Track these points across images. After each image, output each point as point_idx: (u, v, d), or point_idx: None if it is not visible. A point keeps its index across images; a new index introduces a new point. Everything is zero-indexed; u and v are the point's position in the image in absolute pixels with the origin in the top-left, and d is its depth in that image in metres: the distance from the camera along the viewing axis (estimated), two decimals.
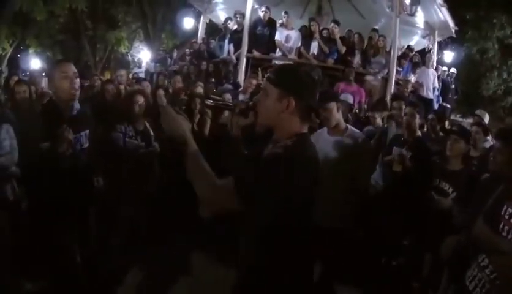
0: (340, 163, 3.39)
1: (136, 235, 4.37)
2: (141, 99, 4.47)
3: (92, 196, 3.57)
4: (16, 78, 6.45)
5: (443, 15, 9.81)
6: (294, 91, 1.85)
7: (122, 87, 6.35)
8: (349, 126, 3.71)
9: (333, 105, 3.52)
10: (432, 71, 8.90)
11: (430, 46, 10.62)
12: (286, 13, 9.23)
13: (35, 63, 22.14)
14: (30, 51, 23.10)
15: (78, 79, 3.18)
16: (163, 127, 1.88)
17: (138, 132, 4.45)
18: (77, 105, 3.29)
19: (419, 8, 9.41)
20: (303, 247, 1.91)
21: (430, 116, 5.19)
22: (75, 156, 3.18)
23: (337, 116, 3.56)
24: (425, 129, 5.25)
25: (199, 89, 6.26)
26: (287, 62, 8.82)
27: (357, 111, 7.14)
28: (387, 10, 9.52)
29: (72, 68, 3.13)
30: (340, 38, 8.98)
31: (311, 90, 1.91)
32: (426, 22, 10.40)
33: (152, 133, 4.61)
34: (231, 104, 4.76)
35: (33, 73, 8.40)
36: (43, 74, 7.43)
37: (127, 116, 4.43)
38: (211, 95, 5.45)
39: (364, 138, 3.71)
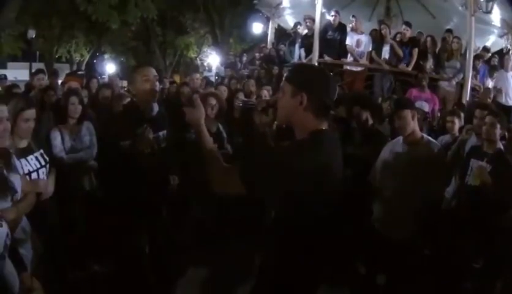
0: (414, 174, 3.29)
1: (203, 233, 4.47)
2: (213, 101, 4.60)
3: (166, 194, 3.76)
4: (95, 81, 6.97)
5: None
6: (305, 87, 1.91)
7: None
8: (425, 135, 3.59)
9: (407, 113, 3.42)
10: (511, 74, 8.27)
11: (509, 46, 9.72)
12: (354, 16, 9.09)
13: (110, 67, 23.63)
14: (106, 56, 24.67)
15: (157, 82, 3.39)
16: (186, 113, 2.14)
17: (211, 134, 4.55)
18: (156, 107, 3.47)
19: (495, 5, 8.64)
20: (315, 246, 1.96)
21: None
22: (153, 155, 3.33)
23: (412, 124, 3.44)
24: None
25: (265, 92, 6.31)
26: (360, 68, 8.79)
27: (430, 119, 6.66)
28: (460, 9, 8.98)
29: (153, 72, 3.33)
30: (411, 39, 8.69)
31: (324, 86, 1.96)
32: (503, 20, 9.53)
33: (225, 135, 4.73)
34: (253, 103, 4.80)
35: (111, 77, 9.00)
36: (118, 78, 7.98)
37: None
38: (240, 98, 5.54)
39: (440, 148, 3.57)
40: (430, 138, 3.62)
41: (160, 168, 3.48)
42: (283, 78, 2.07)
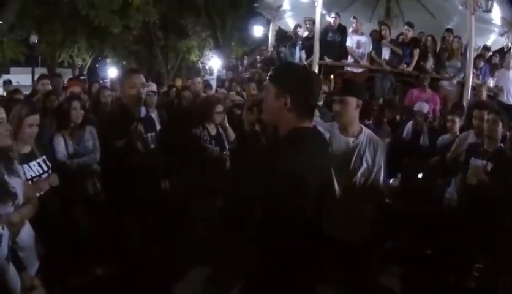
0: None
1: (203, 235, 4.38)
2: (221, 108, 4.59)
3: (156, 195, 3.81)
4: (97, 86, 7.04)
5: None
6: (289, 89, 1.91)
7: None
8: (363, 127, 3.12)
9: (352, 100, 2.98)
10: None
11: (510, 44, 9.72)
12: (354, 18, 9.11)
13: (112, 71, 23.64)
14: (108, 61, 24.76)
15: (145, 89, 3.53)
16: None
17: (211, 137, 4.55)
18: (144, 110, 3.61)
19: (495, 3, 8.53)
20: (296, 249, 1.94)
21: None
22: (144, 155, 3.44)
23: (353, 114, 3.02)
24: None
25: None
26: (360, 69, 8.79)
27: (431, 119, 6.51)
28: (460, 8, 8.89)
29: (140, 79, 3.46)
30: (413, 39, 8.62)
31: (308, 86, 1.96)
32: (503, 19, 9.47)
33: (225, 138, 4.68)
34: (242, 101, 4.78)
35: (114, 81, 9.09)
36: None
37: (203, 121, 4.52)
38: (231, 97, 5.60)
39: (380, 143, 3.12)
40: (370, 131, 3.18)
41: (149, 169, 3.56)
42: (267, 77, 2.05)
